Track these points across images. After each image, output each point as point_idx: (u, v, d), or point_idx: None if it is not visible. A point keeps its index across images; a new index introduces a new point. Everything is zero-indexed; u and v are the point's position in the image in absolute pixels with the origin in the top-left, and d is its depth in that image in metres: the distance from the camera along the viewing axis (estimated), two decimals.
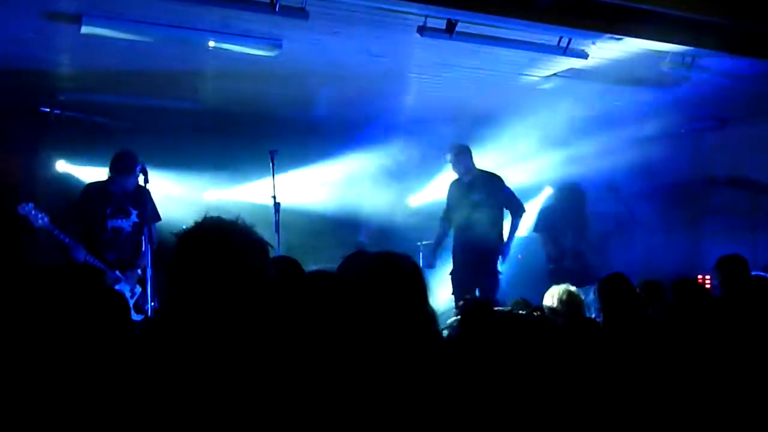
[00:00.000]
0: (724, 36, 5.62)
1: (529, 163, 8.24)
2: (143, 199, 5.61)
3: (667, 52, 5.88)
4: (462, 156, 6.85)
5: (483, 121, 7.41)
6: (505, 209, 6.88)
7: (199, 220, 2.23)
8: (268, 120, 7.47)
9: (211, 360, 1.94)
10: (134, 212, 5.89)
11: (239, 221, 2.27)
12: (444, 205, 7.08)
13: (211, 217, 2.25)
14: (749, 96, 7.20)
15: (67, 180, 7.28)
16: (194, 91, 6.81)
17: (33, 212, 5.56)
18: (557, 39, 5.61)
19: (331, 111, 7.54)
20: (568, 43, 5.64)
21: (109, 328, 2.48)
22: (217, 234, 2.19)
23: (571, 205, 8.02)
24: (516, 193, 7.01)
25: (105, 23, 4.94)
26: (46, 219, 5.58)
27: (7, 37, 5.34)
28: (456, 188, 6.99)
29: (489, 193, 6.77)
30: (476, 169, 6.90)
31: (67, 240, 5.64)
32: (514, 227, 6.89)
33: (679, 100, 7.21)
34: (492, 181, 6.88)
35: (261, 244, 2.26)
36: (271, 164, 6.03)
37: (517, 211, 6.92)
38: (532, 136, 7.71)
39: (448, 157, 6.93)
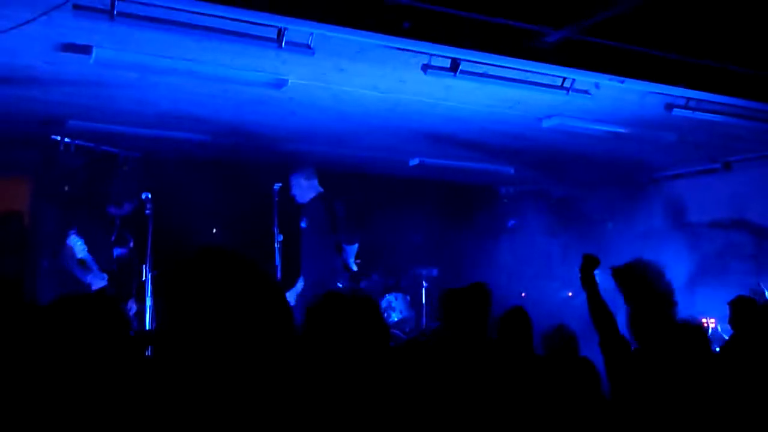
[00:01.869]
0: (726, 79, 5.68)
1: None
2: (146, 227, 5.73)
3: (669, 95, 5.94)
4: (294, 179, 6.64)
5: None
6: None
7: (199, 250, 2.24)
8: (274, 154, 7.55)
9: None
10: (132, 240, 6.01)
11: (241, 253, 2.29)
12: None
13: (211, 247, 2.26)
14: (753, 139, 7.23)
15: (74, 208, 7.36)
16: (201, 123, 6.91)
17: (79, 242, 5.67)
18: (561, 79, 5.68)
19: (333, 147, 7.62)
20: (572, 83, 5.71)
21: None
22: (218, 262, 2.19)
23: None
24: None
25: (114, 55, 5.03)
26: (85, 249, 5.70)
27: (19, 66, 5.44)
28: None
29: (314, 218, 6.50)
30: (312, 192, 6.64)
31: (86, 277, 5.74)
32: (348, 252, 6.60)
33: (682, 143, 7.25)
34: (317, 205, 6.58)
35: (264, 275, 2.27)
36: (274, 198, 6.09)
37: (349, 238, 6.61)
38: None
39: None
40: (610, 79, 5.46)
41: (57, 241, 6.82)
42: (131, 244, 6.10)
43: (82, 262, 5.86)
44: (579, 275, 3.78)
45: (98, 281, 5.86)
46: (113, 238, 6.04)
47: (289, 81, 5.56)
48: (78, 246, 5.77)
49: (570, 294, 8.20)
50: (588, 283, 3.75)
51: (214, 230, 8.16)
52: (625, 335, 3.56)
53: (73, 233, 5.79)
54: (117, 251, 6.09)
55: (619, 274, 3.67)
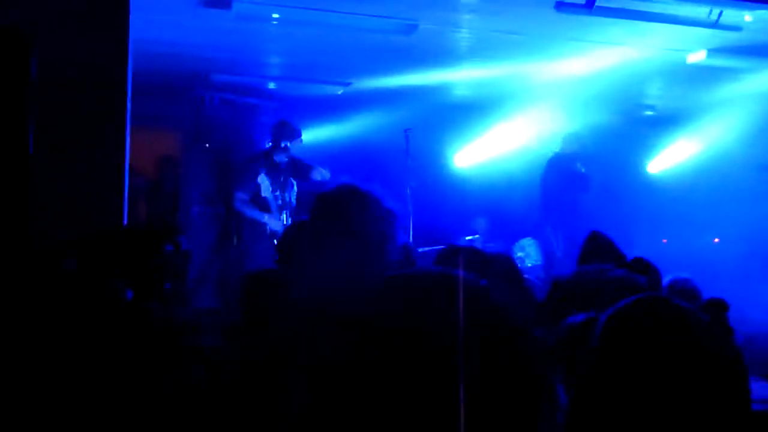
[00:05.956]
0: None
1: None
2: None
3: None
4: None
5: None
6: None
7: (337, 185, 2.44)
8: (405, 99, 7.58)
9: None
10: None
11: (372, 189, 2.44)
12: None
13: (346, 184, 2.45)
14: None
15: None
16: (340, 72, 7.06)
17: (266, 181, 6.16)
18: (707, 11, 5.33)
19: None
20: (719, 15, 5.34)
21: None
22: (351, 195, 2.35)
23: None
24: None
25: (252, 8, 5.22)
26: (270, 189, 6.13)
27: (165, 23, 5.76)
28: None
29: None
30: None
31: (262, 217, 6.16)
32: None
33: None
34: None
35: (386, 212, 2.40)
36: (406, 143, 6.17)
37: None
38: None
39: None
40: (764, 7, 5.06)
41: (207, 189, 7.25)
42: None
43: (263, 203, 6.08)
44: None
45: (275, 222, 6.10)
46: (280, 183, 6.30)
47: (420, 26, 5.55)
48: (265, 185, 6.03)
49: (665, 241, 7.81)
50: None
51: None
52: None
53: (263, 172, 6.05)
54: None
55: None
